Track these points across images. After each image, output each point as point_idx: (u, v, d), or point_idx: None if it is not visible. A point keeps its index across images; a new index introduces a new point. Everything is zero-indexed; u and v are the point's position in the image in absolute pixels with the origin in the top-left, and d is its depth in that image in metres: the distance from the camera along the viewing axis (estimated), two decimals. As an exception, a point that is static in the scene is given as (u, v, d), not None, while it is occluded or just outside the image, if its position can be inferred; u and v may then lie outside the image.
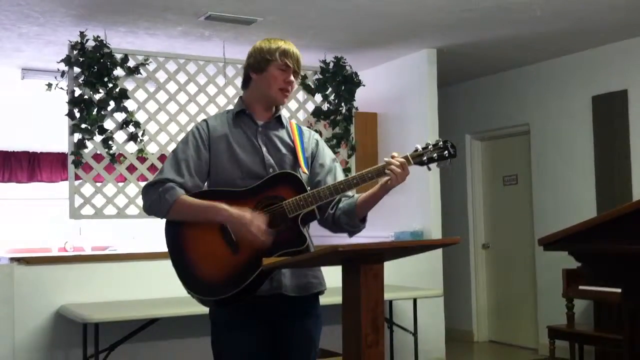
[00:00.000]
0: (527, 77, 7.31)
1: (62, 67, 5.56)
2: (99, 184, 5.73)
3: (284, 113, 2.83)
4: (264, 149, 2.67)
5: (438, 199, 6.59)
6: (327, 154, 2.82)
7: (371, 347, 2.34)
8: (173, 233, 2.61)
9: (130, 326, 4.68)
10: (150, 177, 5.86)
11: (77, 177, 5.61)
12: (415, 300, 5.64)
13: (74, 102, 5.54)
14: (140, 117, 5.88)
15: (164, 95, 6.03)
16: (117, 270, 5.17)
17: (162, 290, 5.10)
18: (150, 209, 2.63)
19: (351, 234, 2.74)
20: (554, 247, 2.77)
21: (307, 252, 2.53)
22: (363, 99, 6.86)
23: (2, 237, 9.09)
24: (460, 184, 7.96)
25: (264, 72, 2.69)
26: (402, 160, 2.56)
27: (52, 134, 8.18)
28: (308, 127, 6.63)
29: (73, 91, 5.57)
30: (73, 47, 5.55)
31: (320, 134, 6.44)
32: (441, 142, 2.58)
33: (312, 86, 6.57)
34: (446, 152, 2.57)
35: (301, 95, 6.69)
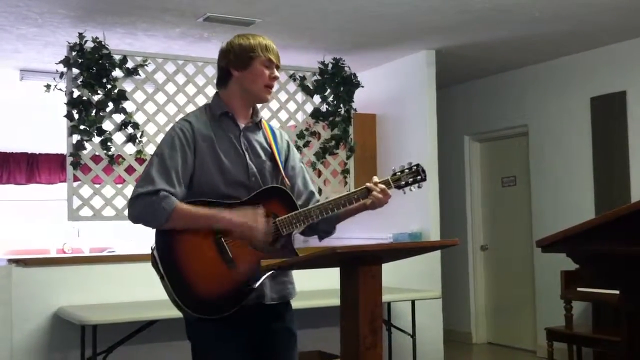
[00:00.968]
0: (526, 78, 7.31)
1: (61, 68, 5.55)
2: (97, 186, 5.72)
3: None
4: (247, 156, 2.63)
5: (436, 201, 6.59)
6: (296, 156, 2.84)
7: (369, 349, 2.34)
8: (165, 244, 2.51)
9: (128, 328, 4.67)
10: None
11: (75, 179, 5.60)
12: (413, 302, 5.64)
13: (72, 103, 5.53)
14: (139, 118, 5.88)
15: (162, 97, 6.02)
16: (116, 272, 5.17)
17: (160, 292, 5.06)
18: (141, 217, 2.52)
19: (322, 238, 2.84)
20: (552, 249, 2.77)
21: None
22: (362, 100, 6.86)
23: (0, 239, 9.08)
24: (458, 186, 7.96)
25: (247, 68, 2.62)
26: (383, 187, 2.66)
27: (51, 136, 8.16)
28: (306, 128, 6.68)
29: (71, 92, 5.56)
30: (72, 48, 5.54)
31: (319, 136, 6.54)
32: (414, 166, 2.73)
33: (311, 87, 6.57)
34: (419, 176, 2.73)
35: (300, 96, 6.69)
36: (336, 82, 6.57)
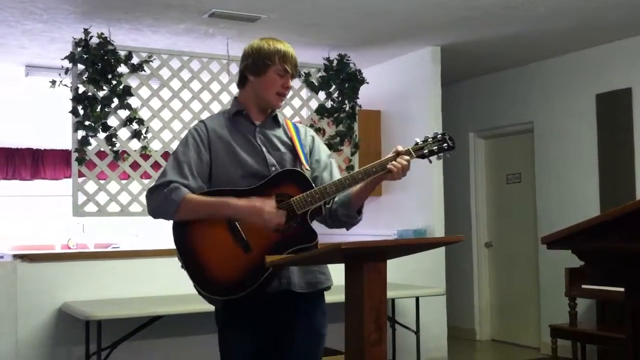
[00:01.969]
0: (531, 75, 7.30)
1: (66, 64, 5.56)
2: (102, 181, 5.73)
3: (286, 111, 2.85)
4: (264, 149, 2.68)
5: (441, 197, 6.59)
6: (322, 150, 2.83)
7: (374, 346, 2.34)
8: (181, 235, 2.59)
9: (133, 323, 4.68)
10: (154, 174, 5.90)
11: (80, 174, 5.61)
12: (417, 299, 5.64)
13: (77, 99, 5.54)
14: (144, 114, 5.88)
15: (167, 93, 6.02)
16: (120, 267, 5.18)
17: (165, 287, 5.10)
18: (156, 212, 2.62)
19: (349, 226, 2.76)
20: (556, 246, 2.76)
21: (317, 247, 2.54)
22: (366, 97, 6.85)
23: (6, 234, 9.11)
24: (463, 182, 7.96)
25: (262, 75, 2.68)
26: (407, 158, 2.58)
27: (56, 131, 8.19)
28: (311, 124, 6.68)
29: (77, 88, 5.57)
30: (77, 44, 5.55)
31: (324, 132, 6.53)
32: (439, 135, 2.65)
33: (316, 84, 6.56)
34: (445, 144, 2.64)
35: (305, 92, 6.69)
36: (341, 79, 6.57)
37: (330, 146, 6.56)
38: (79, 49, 5.54)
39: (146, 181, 5.99)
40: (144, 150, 5.84)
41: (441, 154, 2.64)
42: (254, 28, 5.84)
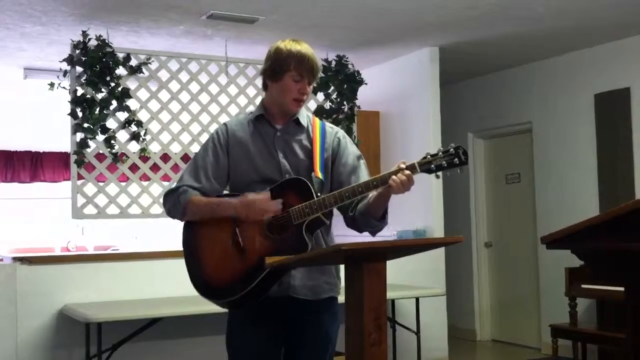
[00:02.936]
0: (530, 75, 7.30)
1: (65, 66, 5.56)
2: (101, 184, 5.73)
3: (303, 111, 2.82)
4: (280, 155, 2.68)
5: (440, 198, 6.59)
6: (350, 152, 2.78)
7: (374, 346, 2.34)
8: (187, 235, 2.69)
9: (133, 325, 4.68)
10: (153, 176, 5.91)
11: (79, 177, 5.60)
12: (417, 299, 5.64)
13: (76, 101, 5.54)
14: (143, 116, 5.88)
15: (166, 94, 6.02)
16: (120, 269, 5.18)
17: (165, 289, 5.10)
18: (170, 213, 2.74)
19: (373, 233, 2.72)
20: (556, 246, 2.77)
21: None
22: (365, 98, 6.85)
23: (5, 237, 9.09)
24: (462, 183, 7.96)
25: (278, 80, 2.68)
26: (408, 173, 2.48)
27: (55, 134, 8.18)
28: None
29: (75, 90, 5.57)
30: (75, 46, 5.55)
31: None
32: (452, 149, 2.46)
33: (315, 84, 6.55)
34: (456, 159, 2.45)
35: (303, 94, 6.68)
36: (340, 80, 6.57)
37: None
38: (77, 51, 5.54)
39: (145, 183, 5.98)
40: (143, 152, 5.84)
41: (451, 169, 2.47)
42: (253, 29, 5.84)
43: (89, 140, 5.58)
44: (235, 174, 2.70)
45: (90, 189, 5.67)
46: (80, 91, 5.56)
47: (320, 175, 2.66)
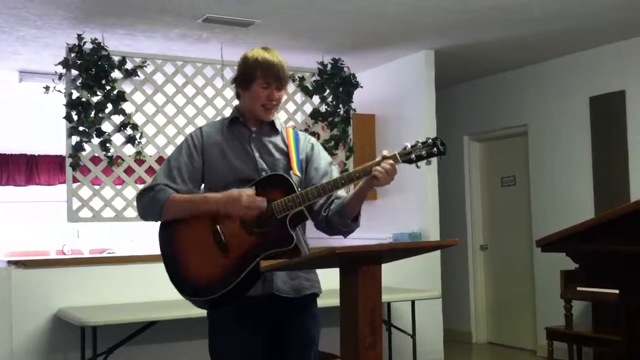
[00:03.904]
0: (525, 78, 7.31)
1: (60, 69, 5.55)
2: (96, 187, 5.72)
3: (281, 115, 2.86)
4: (256, 154, 2.70)
5: (436, 200, 6.59)
6: (322, 157, 2.82)
7: (369, 349, 2.34)
8: (165, 236, 2.65)
9: (128, 329, 4.67)
10: (149, 179, 5.89)
11: (74, 180, 5.60)
12: (413, 302, 5.64)
13: (71, 104, 5.53)
14: (138, 119, 5.88)
15: (161, 98, 6.02)
16: (115, 273, 5.17)
17: (160, 293, 5.09)
18: (145, 213, 2.69)
19: (345, 234, 2.75)
20: (551, 248, 2.77)
21: (296, 252, 2.53)
22: (361, 101, 6.86)
23: (0, 241, 9.08)
24: (458, 185, 7.96)
25: (248, 89, 2.71)
26: (390, 162, 2.52)
27: (50, 137, 8.17)
28: (305, 128, 6.68)
29: (71, 94, 5.56)
30: (71, 49, 5.54)
31: (318, 136, 6.54)
32: (430, 140, 2.54)
33: (310, 88, 6.57)
34: (435, 149, 2.53)
35: (299, 96, 6.69)
36: (335, 83, 6.58)
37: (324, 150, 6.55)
38: (72, 55, 5.53)
39: (141, 186, 5.96)
40: (138, 156, 5.83)
41: (430, 159, 2.54)
42: (248, 33, 5.84)
43: (84, 143, 5.57)
44: (211, 175, 2.69)
45: (85, 192, 5.66)
46: (75, 94, 5.56)
47: (298, 173, 2.70)
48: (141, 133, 5.83)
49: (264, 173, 2.66)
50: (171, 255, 2.62)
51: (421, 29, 5.93)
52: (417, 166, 2.58)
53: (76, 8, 5.18)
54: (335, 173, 2.79)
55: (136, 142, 5.79)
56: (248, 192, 2.55)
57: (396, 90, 7.00)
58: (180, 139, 6.10)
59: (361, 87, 6.73)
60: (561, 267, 5.73)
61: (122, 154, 5.80)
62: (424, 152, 2.53)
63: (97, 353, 4.47)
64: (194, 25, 5.66)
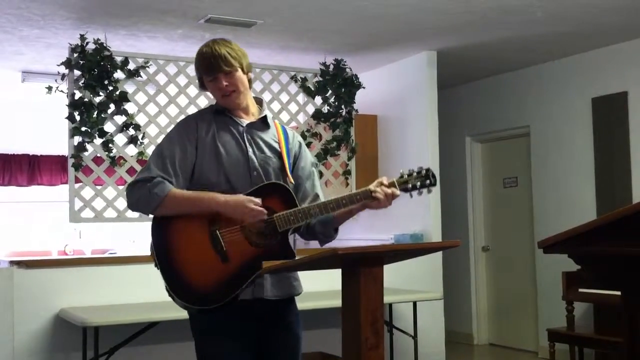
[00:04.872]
0: (527, 79, 7.31)
1: (63, 70, 5.56)
2: (99, 187, 5.72)
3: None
4: (249, 150, 2.65)
5: (438, 202, 6.59)
6: (308, 158, 2.82)
7: (371, 350, 2.34)
8: (160, 234, 2.55)
9: (130, 330, 4.67)
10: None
11: (77, 180, 5.60)
12: (415, 303, 5.64)
13: (74, 105, 5.54)
14: (141, 119, 5.88)
15: (164, 98, 6.03)
16: (117, 273, 5.17)
17: (162, 293, 5.04)
18: (137, 205, 2.58)
19: (323, 242, 2.77)
20: (553, 250, 2.77)
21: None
22: (363, 102, 6.86)
23: (2, 241, 9.09)
24: (460, 186, 7.96)
25: (206, 90, 2.73)
26: (393, 189, 2.60)
27: (52, 137, 8.18)
28: (308, 129, 6.67)
29: (73, 94, 5.57)
30: (73, 50, 5.55)
31: (320, 137, 6.54)
32: (424, 170, 2.63)
33: (312, 88, 6.57)
34: (428, 180, 2.62)
35: (301, 97, 6.69)
36: (337, 84, 6.58)
37: (326, 151, 6.56)
38: (75, 55, 5.54)
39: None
40: (141, 156, 5.83)
41: (422, 191, 2.63)
42: (250, 33, 5.84)
43: (86, 143, 5.58)
44: (202, 168, 2.60)
45: (87, 192, 5.66)
46: (78, 95, 5.56)
47: (292, 180, 2.70)
48: (143, 133, 5.83)
49: (255, 172, 2.62)
50: (167, 255, 2.52)
51: (423, 30, 5.93)
52: (411, 195, 2.66)
53: (79, 8, 5.19)
54: (317, 175, 2.83)
55: (138, 142, 5.79)
56: (255, 200, 2.51)
57: (398, 91, 7.00)
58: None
59: (363, 87, 6.73)
60: (563, 269, 5.73)
61: (125, 155, 5.80)
62: (418, 183, 2.62)
63: (99, 353, 4.47)
64: (196, 26, 5.66)
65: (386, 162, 7.01)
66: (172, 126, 6.14)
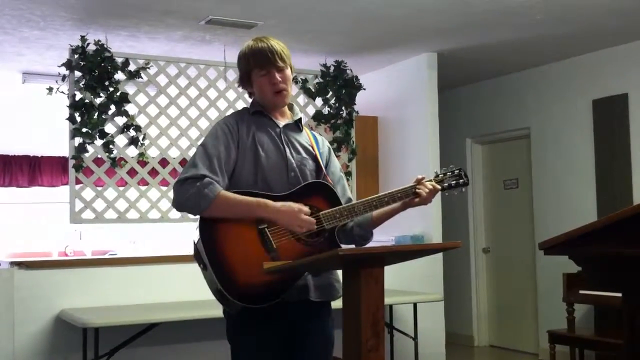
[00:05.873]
0: (528, 80, 7.31)
1: (63, 71, 5.56)
2: (99, 188, 5.72)
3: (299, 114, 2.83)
4: (287, 151, 2.65)
5: (439, 203, 6.59)
6: (336, 163, 2.85)
7: (371, 352, 2.34)
8: (210, 233, 2.48)
9: (130, 331, 4.67)
10: (152, 181, 5.91)
11: (77, 181, 5.60)
12: (415, 305, 5.64)
13: (74, 106, 5.54)
14: (141, 121, 5.88)
15: (164, 99, 6.03)
16: (118, 274, 5.17)
17: (162, 294, 5.09)
18: (185, 204, 2.50)
19: (359, 244, 2.78)
20: (554, 251, 2.77)
21: None
22: (363, 103, 6.86)
23: (3, 242, 9.10)
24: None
25: (252, 85, 2.68)
26: (433, 185, 2.73)
27: (53, 138, 8.19)
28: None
29: (74, 95, 5.57)
30: (74, 51, 5.55)
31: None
32: (457, 170, 2.82)
33: (313, 90, 6.57)
34: (462, 180, 2.82)
35: (302, 99, 6.70)
36: (338, 85, 6.58)
37: (327, 152, 6.56)
38: (76, 56, 5.54)
39: (143, 188, 5.98)
40: (141, 157, 5.84)
41: (457, 189, 2.82)
42: (251, 34, 5.84)
43: (87, 144, 5.58)
44: (241, 168, 2.58)
45: (88, 193, 5.66)
46: (78, 96, 5.56)
47: (331, 180, 2.73)
48: (144, 134, 5.83)
49: (292, 174, 2.62)
50: (218, 255, 2.45)
51: (424, 31, 5.93)
52: (446, 194, 2.84)
53: (80, 9, 5.19)
54: (344, 179, 2.85)
55: (139, 143, 5.79)
56: (305, 209, 2.50)
57: (399, 93, 7.00)
58: (183, 141, 6.11)
59: (364, 89, 6.73)
60: (564, 270, 5.73)
61: (125, 156, 5.80)
62: (453, 182, 2.82)
63: (99, 355, 4.47)
64: (197, 27, 5.66)
65: (387, 164, 7.01)
66: (173, 127, 6.14)
